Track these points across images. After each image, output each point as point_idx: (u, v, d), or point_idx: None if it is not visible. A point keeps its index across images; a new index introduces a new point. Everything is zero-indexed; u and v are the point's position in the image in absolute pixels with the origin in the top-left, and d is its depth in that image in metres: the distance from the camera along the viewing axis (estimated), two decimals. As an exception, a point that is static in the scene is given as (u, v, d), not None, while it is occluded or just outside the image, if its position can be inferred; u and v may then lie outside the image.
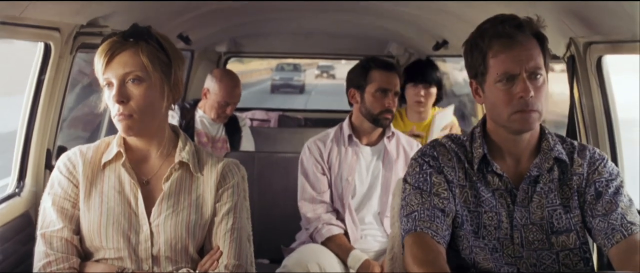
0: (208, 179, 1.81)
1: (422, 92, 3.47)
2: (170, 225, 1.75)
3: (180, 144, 1.81)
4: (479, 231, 1.73)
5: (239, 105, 3.69)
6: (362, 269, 2.59)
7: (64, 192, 1.76)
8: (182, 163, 1.79)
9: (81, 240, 1.76)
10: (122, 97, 1.68)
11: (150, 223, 1.75)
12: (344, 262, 2.65)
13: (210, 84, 3.43)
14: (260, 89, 25.58)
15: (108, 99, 1.71)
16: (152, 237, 1.75)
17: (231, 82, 3.44)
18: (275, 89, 25.99)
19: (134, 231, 1.75)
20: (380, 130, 2.79)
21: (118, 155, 1.78)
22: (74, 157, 1.79)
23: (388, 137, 2.78)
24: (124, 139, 1.79)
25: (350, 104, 2.83)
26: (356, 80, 2.78)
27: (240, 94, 3.52)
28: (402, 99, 3.48)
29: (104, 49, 1.69)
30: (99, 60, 1.69)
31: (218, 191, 1.81)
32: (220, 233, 1.79)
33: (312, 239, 2.69)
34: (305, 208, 2.72)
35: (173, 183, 1.78)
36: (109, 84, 1.70)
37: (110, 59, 1.68)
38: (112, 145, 1.80)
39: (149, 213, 1.76)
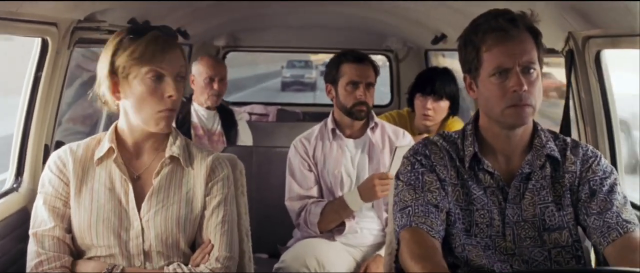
0: (198, 173, 1.81)
1: (429, 105, 3.18)
2: (160, 220, 1.76)
3: (170, 138, 1.81)
4: (471, 229, 1.73)
5: (241, 100, 3.69)
6: (365, 194, 2.56)
7: (54, 190, 1.76)
8: (172, 158, 1.80)
9: (73, 239, 1.76)
10: (178, 94, 1.70)
11: (141, 219, 1.75)
12: (347, 217, 2.65)
13: (194, 68, 3.47)
14: (270, 86, 25.34)
15: (150, 93, 1.68)
16: (143, 232, 1.75)
17: (212, 58, 3.52)
18: (286, 86, 25.36)
19: (124, 228, 1.75)
20: (363, 121, 2.78)
21: (110, 151, 1.77)
22: (64, 155, 1.79)
23: (371, 128, 2.77)
24: (117, 135, 1.79)
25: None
26: (330, 75, 2.79)
27: (226, 70, 3.53)
28: (412, 106, 3.32)
29: (153, 41, 1.67)
30: (145, 52, 1.66)
31: (208, 184, 1.81)
32: (211, 226, 1.80)
33: (306, 225, 2.67)
34: (293, 205, 2.72)
35: (163, 178, 1.78)
36: (159, 77, 1.68)
37: (163, 53, 1.67)
38: (104, 142, 1.79)
39: (139, 209, 1.76)
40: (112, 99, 1.74)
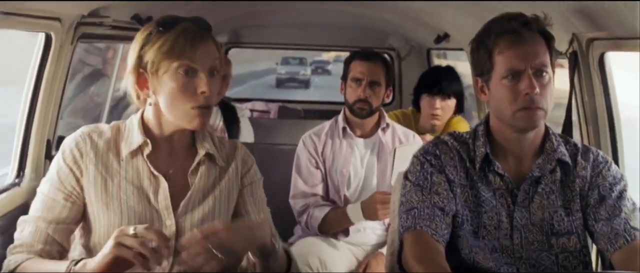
0: (231, 167, 1.74)
1: (438, 105, 3.15)
2: (197, 219, 1.65)
3: (199, 134, 1.71)
4: (479, 231, 1.73)
5: (239, 96, 3.68)
6: (367, 212, 2.56)
7: (59, 182, 1.62)
8: (207, 155, 1.70)
9: (91, 236, 1.63)
10: (212, 90, 1.58)
11: (176, 220, 1.63)
12: (348, 227, 2.66)
13: None
14: (265, 82, 25.33)
15: (181, 89, 1.56)
16: (177, 233, 1.62)
17: None
18: (281, 83, 25.45)
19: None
20: (374, 121, 2.78)
21: (142, 145, 1.63)
22: (84, 144, 1.63)
23: (382, 129, 2.77)
24: (146, 128, 1.65)
25: None
26: (343, 73, 2.81)
27: (231, 68, 3.49)
28: (416, 106, 3.31)
29: (183, 34, 1.55)
30: (175, 45, 1.54)
31: (242, 176, 1.75)
32: (249, 202, 1.76)
33: (307, 227, 2.68)
34: (296, 203, 2.73)
35: (202, 178, 1.68)
36: (191, 72, 1.56)
37: (194, 46, 1.55)
38: (133, 134, 1.64)
39: (174, 209, 1.63)
40: (137, 94, 1.61)
